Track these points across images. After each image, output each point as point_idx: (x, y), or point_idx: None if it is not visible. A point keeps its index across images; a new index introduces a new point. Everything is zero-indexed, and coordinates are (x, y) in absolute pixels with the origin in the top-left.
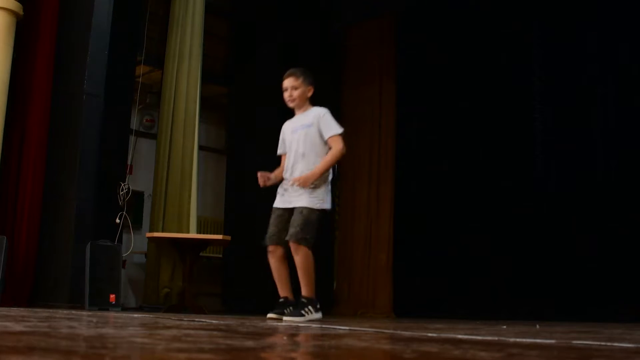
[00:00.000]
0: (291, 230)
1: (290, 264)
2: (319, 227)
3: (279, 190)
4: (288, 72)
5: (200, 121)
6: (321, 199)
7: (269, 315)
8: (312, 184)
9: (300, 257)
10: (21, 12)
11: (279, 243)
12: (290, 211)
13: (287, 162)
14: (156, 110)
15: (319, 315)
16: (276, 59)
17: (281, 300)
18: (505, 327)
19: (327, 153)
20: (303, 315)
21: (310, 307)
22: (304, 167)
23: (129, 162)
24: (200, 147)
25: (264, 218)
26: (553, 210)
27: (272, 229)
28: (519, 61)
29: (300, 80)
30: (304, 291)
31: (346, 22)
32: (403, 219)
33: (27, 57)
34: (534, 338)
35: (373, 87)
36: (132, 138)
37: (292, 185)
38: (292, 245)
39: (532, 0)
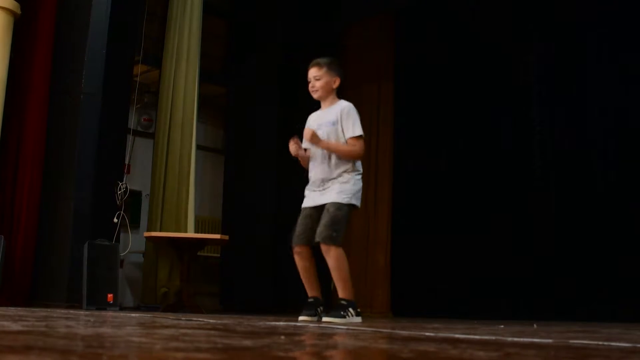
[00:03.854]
0: (318, 231)
1: (318, 263)
2: (347, 223)
3: (306, 191)
4: (312, 62)
5: (198, 121)
6: (350, 194)
7: (301, 317)
8: (339, 176)
9: (332, 258)
10: (19, 12)
11: (306, 243)
12: (319, 210)
13: (311, 160)
14: (154, 110)
15: (359, 319)
16: (274, 59)
17: (310, 300)
18: (502, 326)
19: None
20: (344, 317)
21: (350, 310)
22: (328, 168)
23: (126, 162)
24: (198, 147)
25: (262, 218)
26: (552, 210)
27: (298, 228)
28: (518, 60)
29: (323, 70)
30: (341, 293)
31: (346, 21)
32: (401, 219)
33: (25, 56)
34: (532, 337)
35: (372, 86)
36: (129, 137)
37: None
38: (322, 247)
39: (532, 0)
